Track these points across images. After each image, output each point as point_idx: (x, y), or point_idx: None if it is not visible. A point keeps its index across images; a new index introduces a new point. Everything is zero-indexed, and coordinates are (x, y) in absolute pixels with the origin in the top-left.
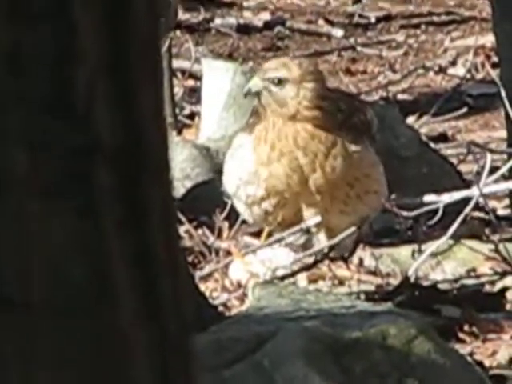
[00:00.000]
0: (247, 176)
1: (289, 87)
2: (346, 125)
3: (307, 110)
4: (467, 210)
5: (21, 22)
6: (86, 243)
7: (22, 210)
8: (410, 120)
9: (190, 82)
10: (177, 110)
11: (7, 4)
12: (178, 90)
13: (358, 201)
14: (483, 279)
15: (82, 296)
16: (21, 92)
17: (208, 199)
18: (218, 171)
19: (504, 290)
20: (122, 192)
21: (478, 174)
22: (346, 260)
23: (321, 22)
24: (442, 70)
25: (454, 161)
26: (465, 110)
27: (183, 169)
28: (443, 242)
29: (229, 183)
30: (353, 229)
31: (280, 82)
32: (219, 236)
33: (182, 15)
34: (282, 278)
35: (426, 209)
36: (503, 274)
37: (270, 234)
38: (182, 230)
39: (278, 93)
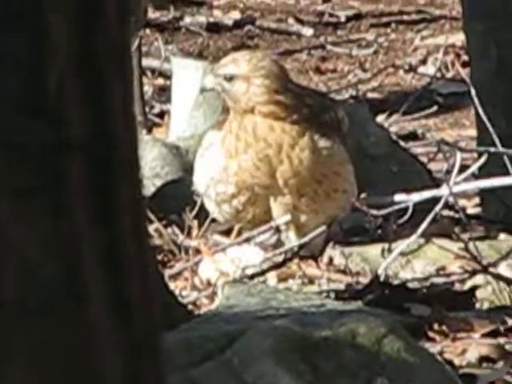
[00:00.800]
0: (217, 174)
1: (238, 83)
2: (316, 121)
3: (261, 105)
4: (437, 208)
5: None
6: (59, 241)
7: None
8: (380, 118)
9: (160, 81)
10: (147, 109)
11: None
12: (148, 89)
13: (326, 199)
14: (453, 278)
15: (54, 294)
16: None
17: (178, 198)
18: (188, 170)
19: (474, 288)
20: (93, 190)
21: (448, 172)
22: (315, 259)
23: (291, 20)
24: (412, 69)
25: (424, 159)
26: (435, 108)
27: (153, 167)
28: (413, 240)
29: (199, 182)
30: (323, 228)
31: (231, 78)
32: (189, 234)
33: (152, 14)
34: (252, 277)
35: (395, 207)
36: (473, 273)
37: (239, 233)
38: (151, 228)
39: (229, 89)
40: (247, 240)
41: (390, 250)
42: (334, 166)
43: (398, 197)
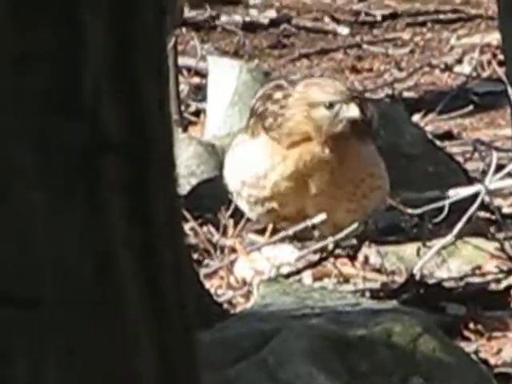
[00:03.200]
0: (250, 179)
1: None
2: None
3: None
4: (473, 208)
5: (29, 24)
6: (95, 238)
7: (32, 209)
8: (416, 118)
9: (196, 80)
10: (182, 108)
11: (13, 5)
12: (184, 88)
13: (363, 198)
14: (488, 277)
15: (91, 291)
16: (30, 93)
17: (213, 196)
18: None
19: (509, 288)
20: (129, 188)
21: (484, 172)
22: (351, 257)
23: (327, 19)
24: (447, 68)
25: (460, 159)
26: (471, 107)
27: (188, 166)
28: (449, 240)
29: (231, 182)
30: (356, 225)
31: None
32: (224, 233)
33: (188, 13)
34: (287, 276)
35: (431, 206)
36: (508, 272)
37: (274, 232)
38: (187, 227)
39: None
40: (282, 239)
41: (425, 249)
42: (369, 168)
43: (433, 195)
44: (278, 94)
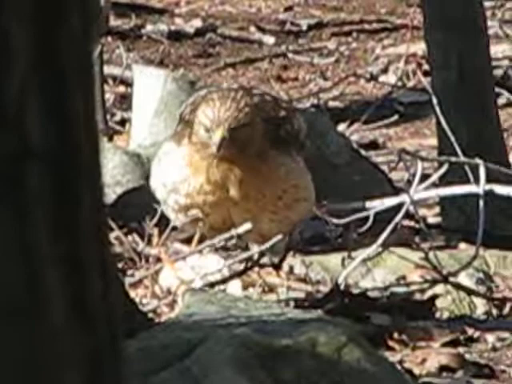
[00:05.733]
0: (173, 186)
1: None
2: (271, 137)
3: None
4: (398, 217)
5: None
6: (20, 248)
7: None
8: (341, 127)
9: (121, 89)
10: (108, 117)
11: None
12: (109, 97)
13: (287, 209)
14: (413, 287)
15: (14, 301)
16: None
17: (138, 206)
18: (149, 178)
19: (434, 298)
20: (54, 197)
21: (409, 182)
22: (276, 267)
23: (252, 29)
24: (373, 78)
25: (385, 168)
26: (396, 117)
27: (114, 175)
28: (373, 249)
29: (157, 190)
30: (281, 236)
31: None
32: (149, 242)
33: (114, 21)
34: (213, 285)
35: (356, 216)
36: (433, 282)
37: (200, 241)
38: (112, 236)
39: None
40: (208, 248)
41: (350, 259)
42: (292, 181)
43: (358, 205)
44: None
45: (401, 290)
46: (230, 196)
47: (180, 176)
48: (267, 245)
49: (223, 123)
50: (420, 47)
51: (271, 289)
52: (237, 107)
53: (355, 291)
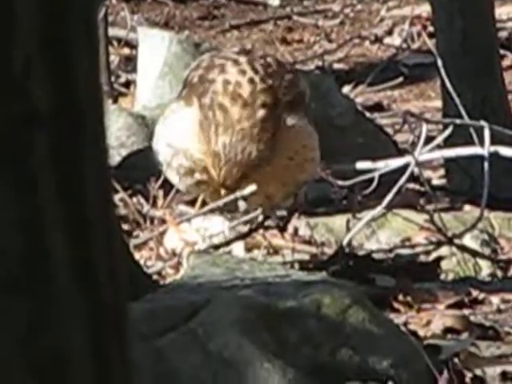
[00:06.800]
0: (180, 148)
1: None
2: (281, 101)
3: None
4: (402, 179)
5: None
6: (23, 214)
7: None
8: (346, 89)
9: (126, 51)
10: (112, 79)
11: None
12: (114, 59)
13: (298, 170)
14: (418, 249)
15: (18, 269)
16: None
17: (143, 168)
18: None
19: (438, 259)
20: (59, 160)
21: (414, 143)
22: (280, 229)
23: None
24: (377, 40)
25: (390, 130)
26: (400, 79)
27: (118, 137)
28: (378, 211)
29: (161, 152)
30: (289, 200)
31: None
32: (154, 204)
33: None
34: (217, 247)
35: (361, 178)
36: (438, 244)
37: (204, 203)
38: (117, 198)
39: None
40: (212, 210)
41: (355, 220)
42: (302, 141)
43: (363, 166)
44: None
45: (405, 251)
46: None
47: (189, 139)
48: (271, 207)
49: (238, 162)
50: (425, 9)
51: (276, 251)
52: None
53: (360, 253)
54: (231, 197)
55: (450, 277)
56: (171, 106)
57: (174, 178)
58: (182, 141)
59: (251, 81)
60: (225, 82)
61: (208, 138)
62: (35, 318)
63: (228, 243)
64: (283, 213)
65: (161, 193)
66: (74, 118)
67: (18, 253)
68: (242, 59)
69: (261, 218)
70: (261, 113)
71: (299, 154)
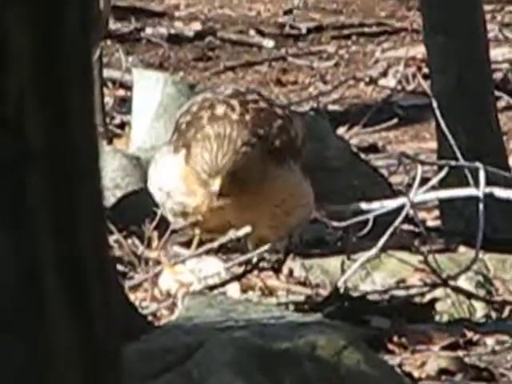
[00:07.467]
0: (168, 190)
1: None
2: (268, 149)
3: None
4: (397, 221)
5: None
6: (19, 252)
7: None
8: (341, 131)
9: (121, 92)
10: (107, 120)
11: None
12: (109, 100)
13: (285, 216)
14: (413, 290)
15: (13, 306)
16: None
17: (138, 209)
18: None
19: (433, 301)
20: (54, 200)
21: (409, 185)
22: (275, 270)
23: (252, 32)
24: (372, 81)
25: (385, 172)
26: (395, 121)
27: (113, 178)
28: (373, 253)
29: (156, 194)
30: (284, 241)
31: None
32: (149, 246)
33: (113, 25)
34: (212, 288)
35: (356, 219)
36: (433, 286)
37: (199, 244)
38: (111, 239)
39: None
40: (207, 251)
41: (350, 261)
42: (290, 189)
43: (358, 206)
44: (203, 113)
45: (400, 293)
46: (228, 208)
47: (175, 184)
48: (266, 247)
49: (221, 171)
50: (420, 50)
51: (271, 292)
52: (234, 148)
53: (355, 294)
54: (225, 238)
55: (445, 318)
56: (162, 149)
57: (170, 218)
58: (170, 186)
59: (240, 121)
60: (212, 118)
61: (192, 187)
62: (29, 355)
63: (223, 284)
64: (279, 254)
65: (156, 234)
66: (68, 158)
67: (14, 288)
68: (234, 102)
69: (255, 259)
70: (246, 151)
71: (286, 202)
